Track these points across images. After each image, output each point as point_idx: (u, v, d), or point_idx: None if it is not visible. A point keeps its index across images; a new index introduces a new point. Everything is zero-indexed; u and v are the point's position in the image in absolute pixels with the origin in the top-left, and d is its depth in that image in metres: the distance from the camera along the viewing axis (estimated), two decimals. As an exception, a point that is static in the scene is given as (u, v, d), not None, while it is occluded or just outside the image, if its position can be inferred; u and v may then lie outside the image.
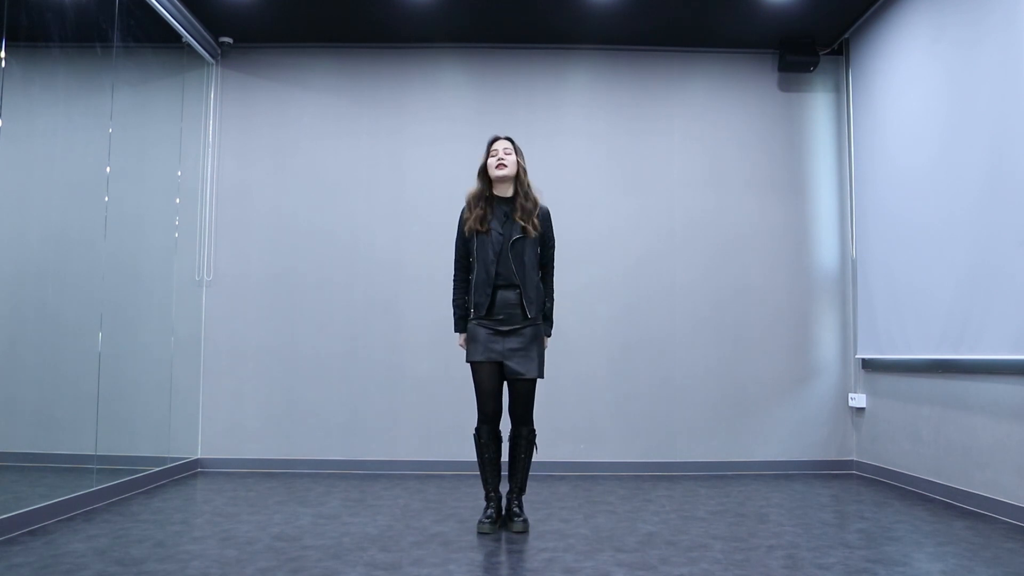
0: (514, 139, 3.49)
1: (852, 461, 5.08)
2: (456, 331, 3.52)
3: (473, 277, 3.41)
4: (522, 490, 3.47)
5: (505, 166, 3.38)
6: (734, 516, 3.68)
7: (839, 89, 5.33)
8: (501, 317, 3.36)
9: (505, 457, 3.49)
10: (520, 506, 3.43)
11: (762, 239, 5.22)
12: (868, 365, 4.95)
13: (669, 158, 5.28)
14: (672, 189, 5.25)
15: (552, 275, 3.56)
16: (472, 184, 3.51)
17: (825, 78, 5.34)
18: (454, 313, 3.50)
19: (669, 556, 2.93)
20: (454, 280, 3.52)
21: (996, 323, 3.61)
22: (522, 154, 3.47)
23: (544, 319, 3.49)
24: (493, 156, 3.41)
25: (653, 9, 4.81)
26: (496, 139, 3.46)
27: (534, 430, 3.48)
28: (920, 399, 4.34)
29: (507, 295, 3.36)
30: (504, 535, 3.29)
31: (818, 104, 5.34)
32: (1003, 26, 3.60)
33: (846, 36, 5.21)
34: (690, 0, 4.73)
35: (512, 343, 3.35)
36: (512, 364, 3.33)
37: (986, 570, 2.76)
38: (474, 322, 3.41)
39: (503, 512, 3.45)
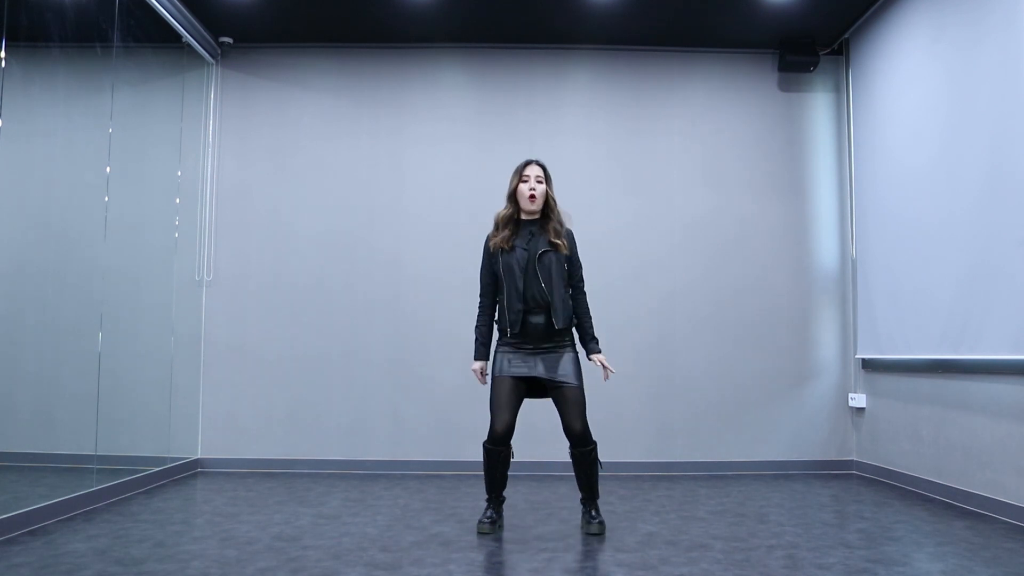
0: (545, 165, 3.42)
1: (852, 461, 5.08)
2: (475, 359, 3.42)
3: (503, 298, 3.34)
4: (595, 495, 3.38)
5: (535, 199, 3.34)
6: (734, 516, 3.68)
7: (839, 89, 5.33)
8: (531, 346, 3.30)
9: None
10: (597, 509, 3.36)
11: (762, 239, 5.22)
12: (868, 365, 4.95)
13: (669, 158, 5.28)
14: (672, 189, 5.25)
15: (585, 295, 3.46)
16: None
17: (825, 78, 5.34)
18: (475, 340, 3.43)
19: (669, 556, 2.93)
20: (479, 306, 3.45)
21: (996, 323, 3.61)
22: (551, 181, 3.42)
23: (592, 339, 3.43)
24: (525, 182, 3.35)
25: (653, 9, 4.81)
26: (528, 163, 3.38)
27: (594, 445, 3.32)
28: (920, 399, 4.34)
29: (536, 320, 3.29)
30: (504, 535, 3.29)
31: (818, 104, 5.34)
32: (1003, 26, 3.60)
33: (846, 36, 5.21)
34: (690, 0, 4.73)
35: (541, 364, 3.29)
36: (548, 375, 3.26)
37: (986, 570, 2.76)
38: (503, 352, 3.34)
39: (502, 515, 3.43)
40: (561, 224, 3.40)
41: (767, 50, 5.32)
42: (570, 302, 3.39)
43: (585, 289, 3.47)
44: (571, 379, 3.28)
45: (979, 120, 3.76)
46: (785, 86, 5.35)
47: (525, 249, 3.33)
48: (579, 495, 3.43)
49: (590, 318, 3.46)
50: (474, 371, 3.44)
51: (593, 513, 3.36)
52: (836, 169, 5.29)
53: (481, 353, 3.43)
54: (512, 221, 3.39)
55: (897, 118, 4.57)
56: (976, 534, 3.30)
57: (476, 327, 3.44)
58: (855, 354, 5.09)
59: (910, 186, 4.39)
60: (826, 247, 5.25)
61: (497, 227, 3.41)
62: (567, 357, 3.32)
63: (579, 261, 3.47)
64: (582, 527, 3.38)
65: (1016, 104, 3.48)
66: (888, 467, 4.66)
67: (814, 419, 5.12)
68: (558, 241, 3.33)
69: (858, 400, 5.01)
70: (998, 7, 3.64)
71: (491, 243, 3.40)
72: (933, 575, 2.70)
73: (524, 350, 3.31)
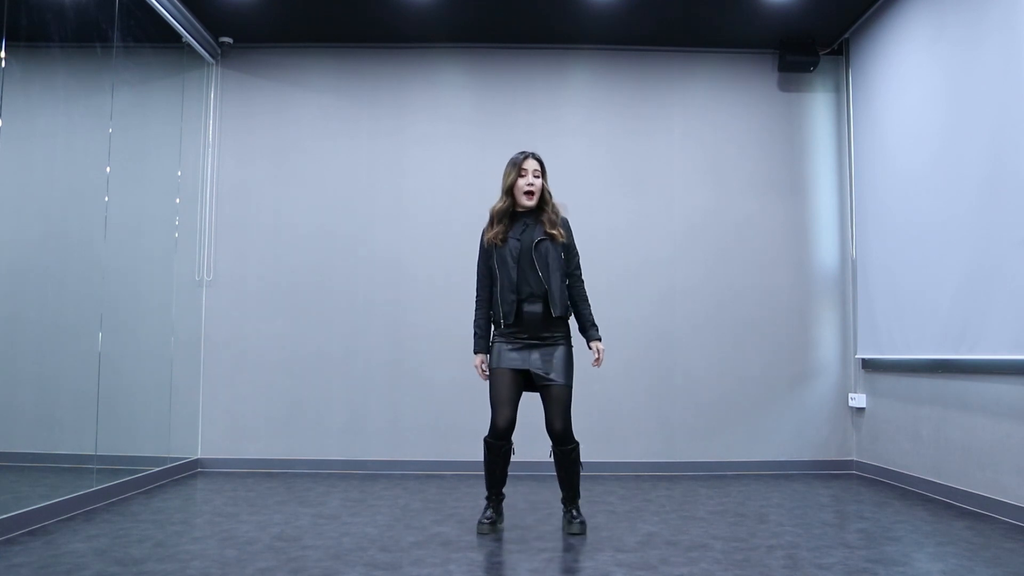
0: (542, 158, 3.41)
1: (852, 461, 5.08)
2: (475, 352, 3.42)
3: (497, 289, 3.35)
4: (576, 495, 3.40)
5: (533, 194, 3.35)
6: (734, 516, 3.68)
7: (839, 89, 5.33)
8: (526, 335, 3.30)
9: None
10: (578, 509, 3.38)
11: (762, 239, 5.23)
12: (868, 365, 4.95)
13: (669, 158, 5.28)
14: (672, 189, 5.25)
15: (583, 283, 3.49)
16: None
17: (825, 78, 5.34)
18: (474, 333, 3.43)
19: (669, 556, 2.93)
20: (476, 300, 3.46)
21: (996, 323, 3.61)
22: (547, 173, 3.42)
23: (592, 326, 3.46)
24: (523, 177, 3.34)
25: (653, 9, 4.81)
26: (526, 157, 3.37)
27: (577, 445, 3.34)
28: (920, 399, 4.34)
29: (532, 309, 3.30)
30: (504, 535, 3.29)
31: (818, 104, 5.34)
32: (1003, 26, 3.60)
33: (846, 36, 5.21)
34: (690, 0, 4.73)
35: (536, 355, 3.30)
36: (538, 370, 3.27)
37: (986, 570, 2.76)
38: (499, 341, 3.35)
39: (502, 514, 3.44)
40: (556, 214, 3.41)
41: (767, 50, 5.32)
42: (567, 291, 3.40)
43: (582, 277, 3.49)
44: (560, 378, 3.28)
45: (979, 120, 3.76)
46: (785, 86, 5.35)
47: (518, 240, 3.34)
48: (561, 495, 3.42)
49: (589, 305, 3.49)
50: (476, 366, 3.44)
51: (574, 513, 3.36)
52: (836, 169, 5.29)
53: (481, 346, 3.42)
54: (507, 215, 3.39)
55: (897, 118, 4.57)
56: (976, 534, 3.30)
57: (475, 321, 3.45)
58: (855, 354, 5.09)
59: (910, 186, 4.39)
60: (826, 247, 5.25)
61: (492, 221, 3.41)
62: (560, 352, 3.32)
63: (576, 249, 3.49)
64: (563, 528, 3.37)
65: (1016, 104, 3.48)
66: (888, 467, 4.66)
67: (814, 419, 5.12)
68: (554, 231, 3.34)
69: (858, 400, 5.01)
70: (998, 7, 3.64)
71: (486, 238, 3.41)
72: (933, 575, 2.70)
73: (519, 340, 3.31)
